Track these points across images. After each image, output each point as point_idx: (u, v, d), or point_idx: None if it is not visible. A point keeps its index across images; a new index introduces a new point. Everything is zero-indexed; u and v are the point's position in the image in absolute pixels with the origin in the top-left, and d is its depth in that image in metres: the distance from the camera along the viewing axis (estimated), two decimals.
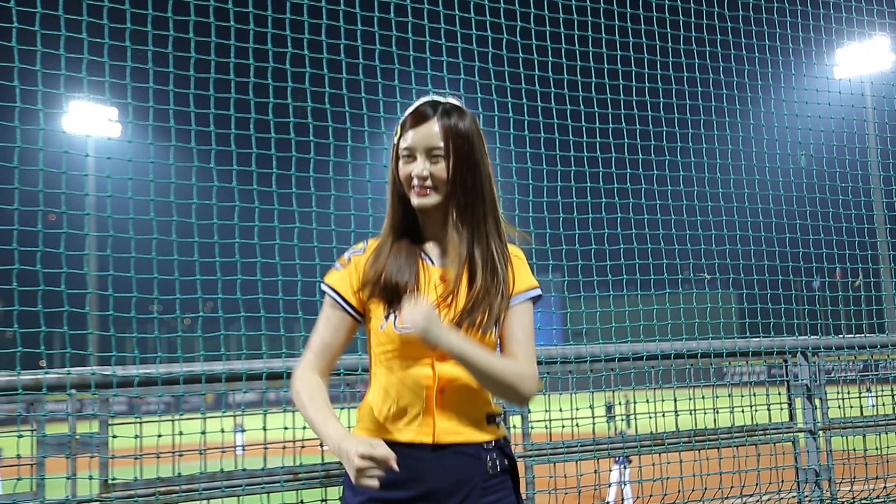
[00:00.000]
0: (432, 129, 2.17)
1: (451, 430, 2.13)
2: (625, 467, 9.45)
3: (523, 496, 3.45)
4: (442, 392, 2.13)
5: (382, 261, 2.16)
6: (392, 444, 2.07)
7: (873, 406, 4.50)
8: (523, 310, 2.25)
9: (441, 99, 2.22)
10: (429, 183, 2.16)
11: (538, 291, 2.28)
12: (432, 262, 2.21)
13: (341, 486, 2.30)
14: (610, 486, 9.58)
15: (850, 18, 4.91)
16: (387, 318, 2.11)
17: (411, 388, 2.13)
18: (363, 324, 2.20)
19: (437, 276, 2.19)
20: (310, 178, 3.37)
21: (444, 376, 2.13)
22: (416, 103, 2.22)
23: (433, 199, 2.17)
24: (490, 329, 2.15)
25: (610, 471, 9.30)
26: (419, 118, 2.18)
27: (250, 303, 3.26)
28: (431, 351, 2.11)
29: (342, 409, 3.00)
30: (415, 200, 2.16)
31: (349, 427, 2.26)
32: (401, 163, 2.17)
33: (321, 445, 2.98)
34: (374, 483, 1.92)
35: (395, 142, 2.19)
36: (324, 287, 2.21)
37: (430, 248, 2.24)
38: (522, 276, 2.26)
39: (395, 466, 1.93)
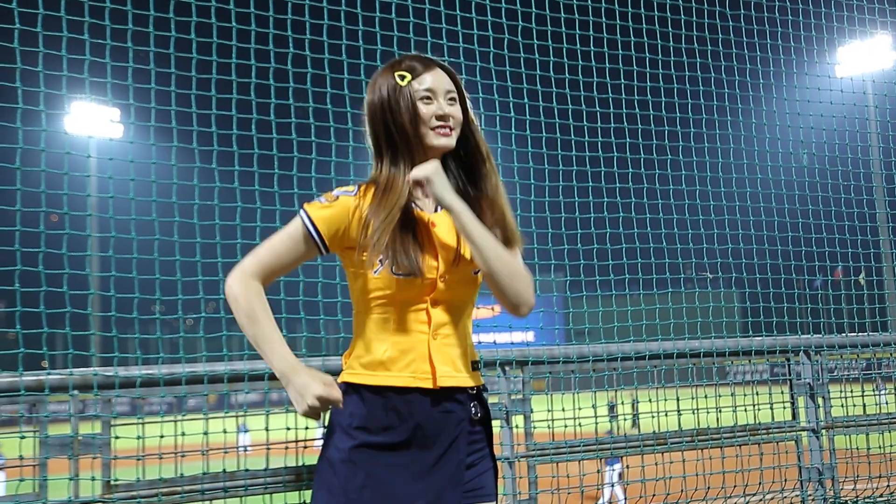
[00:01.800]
0: (444, 74, 2.22)
1: (447, 374, 2.16)
2: (612, 468, 9.41)
3: (526, 496, 3.47)
4: (435, 336, 2.14)
5: (394, 223, 2.12)
6: (387, 389, 2.12)
7: (877, 405, 4.49)
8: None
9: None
10: (451, 122, 2.19)
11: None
12: (418, 207, 2.23)
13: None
14: (604, 486, 9.58)
15: (851, 17, 4.90)
16: (381, 262, 2.11)
17: (407, 333, 2.14)
18: (340, 266, 2.23)
19: (427, 220, 2.22)
20: (312, 178, 3.37)
21: (438, 320, 2.16)
22: (411, 54, 2.27)
23: (454, 138, 2.21)
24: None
25: (600, 471, 9.28)
26: (429, 63, 2.22)
27: None
28: (425, 296, 2.14)
29: None
30: (438, 140, 2.18)
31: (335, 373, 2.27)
32: (420, 104, 2.17)
33: None
34: (317, 422, 2.06)
35: (405, 84, 2.18)
36: (303, 215, 2.18)
37: (416, 192, 2.23)
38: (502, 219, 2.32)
39: (341, 406, 2.08)
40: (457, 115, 2.21)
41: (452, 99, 2.21)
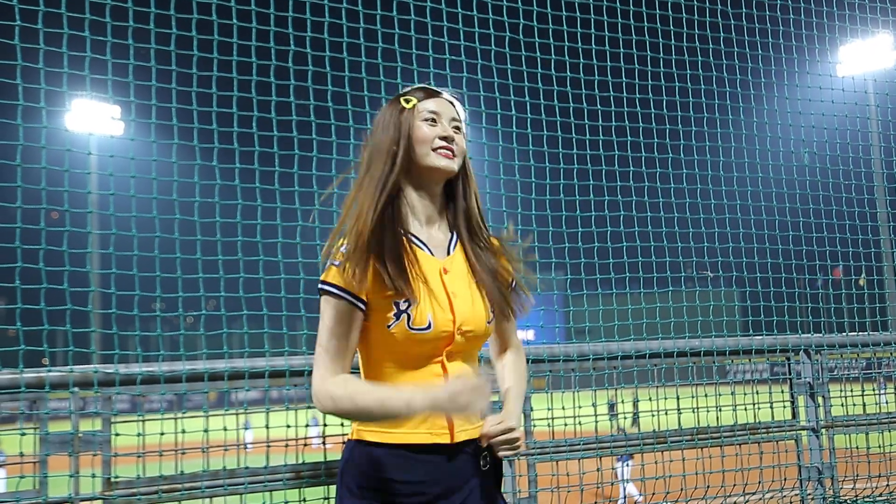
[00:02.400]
0: (451, 103, 2.19)
1: (463, 428, 2.10)
2: (626, 465, 9.39)
3: (526, 494, 3.47)
4: None
5: (386, 259, 2.04)
6: (401, 446, 2.05)
7: (877, 404, 4.49)
8: None
9: None
10: (454, 147, 2.13)
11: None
12: (428, 251, 2.14)
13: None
14: (618, 483, 9.56)
15: (853, 16, 4.90)
16: (397, 316, 2.02)
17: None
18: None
19: (438, 268, 2.13)
20: (312, 176, 3.36)
21: (455, 373, 2.08)
22: (420, 85, 2.23)
23: (456, 163, 2.14)
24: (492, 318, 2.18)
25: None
26: (435, 91, 2.19)
27: (253, 301, 3.26)
28: (441, 349, 2.08)
29: None
30: (440, 161, 2.11)
31: (344, 426, 2.21)
32: (423, 124, 2.11)
33: (324, 444, 2.99)
34: (485, 404, 1.90)
35: (409, 107, 2.13)
36: (327, 287, 2.05)
37: (418, 229, 2.16)
38: (510, 267, 2.28)
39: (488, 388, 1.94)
40: (461, 143, 2.14)
41: (457, 128, 2.15)
